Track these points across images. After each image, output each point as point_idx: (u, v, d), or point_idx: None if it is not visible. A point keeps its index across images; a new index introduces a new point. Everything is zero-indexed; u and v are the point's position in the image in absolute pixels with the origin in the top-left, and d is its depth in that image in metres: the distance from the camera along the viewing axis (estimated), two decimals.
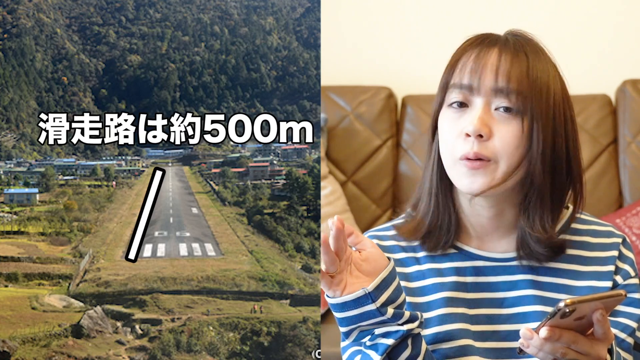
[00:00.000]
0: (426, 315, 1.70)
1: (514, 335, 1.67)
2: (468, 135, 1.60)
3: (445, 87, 1.67)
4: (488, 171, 1.61)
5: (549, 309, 1.65)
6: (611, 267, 1.72)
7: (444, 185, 1.72)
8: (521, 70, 1.60)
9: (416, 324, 1.57)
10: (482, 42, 1.66)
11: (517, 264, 1.73)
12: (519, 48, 1.63)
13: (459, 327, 1.69)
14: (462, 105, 1.64)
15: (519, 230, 1.71)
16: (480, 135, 1.59)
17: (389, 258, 1.57)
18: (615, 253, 1.74)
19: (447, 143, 1.65)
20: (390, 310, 1.53)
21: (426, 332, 1.69)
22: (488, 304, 1.71)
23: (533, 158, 1.62)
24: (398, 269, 1.74)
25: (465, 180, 1.63)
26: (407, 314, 1.55)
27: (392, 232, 1.81)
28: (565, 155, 1.65)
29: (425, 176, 1.74)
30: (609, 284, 1.71)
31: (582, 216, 1.81)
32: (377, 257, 1.54)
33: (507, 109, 1.61)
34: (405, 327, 1.55)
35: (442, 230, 1.72)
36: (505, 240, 1.75)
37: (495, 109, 1.61)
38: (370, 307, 1.52)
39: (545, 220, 1.67)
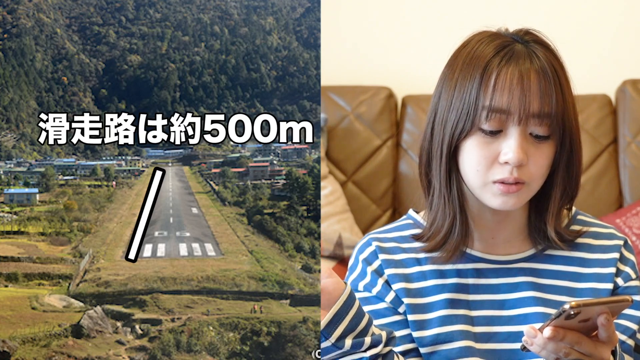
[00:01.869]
0: (427, 316, 1.70)
1: (515, 337, 1.67)
2: (507, 163, 1.59)
3: (474, 108, 1.59)
4: (521, 192, 1.62)
5: (550, 311, 1.66)
6: (612, 269, 1.72)
7: (464, 202, 1.71)
8: (557, 94, 1.58)
9: (379, 348, 1.57)
10: (509, 56, 1.60)
11: (519, 266, 1.74)
12: (549, 65, 1.60)
13: (460, 328, 1.69)
14: (497, 131, 1.60)
15: (530, 226, 1.72)
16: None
17: (345, 283, 1.56)
18: (616, 255, 1.74)
19: (478, 169, 1.62)
20: (348, 342, 1.53)
21: (426, 333, 1.70)
22: (489, 305, 1.71)
23: (557, 175, 1.66)
24: (398, 271, 1.74)
25: (497, 200, 1.63)
26: (367, 340, 1.55)
27: (393, 234, 1.81)
28: (577, 161, 1.67)
29: (444, 196, 1.69)
30: (610, 286, 1.71)
31: (584, 218, 1.81)
32: (331, 288, 1.53)
33: (544, 136, 1.60)
34: (369, 354, 1.56)
35: (455, 239, 1.71)
36: (509, 243, 1.75)
37: (530, 134, 1.60)
38: (326, 343, 1.53)
39: (551, 213, 1.69)
